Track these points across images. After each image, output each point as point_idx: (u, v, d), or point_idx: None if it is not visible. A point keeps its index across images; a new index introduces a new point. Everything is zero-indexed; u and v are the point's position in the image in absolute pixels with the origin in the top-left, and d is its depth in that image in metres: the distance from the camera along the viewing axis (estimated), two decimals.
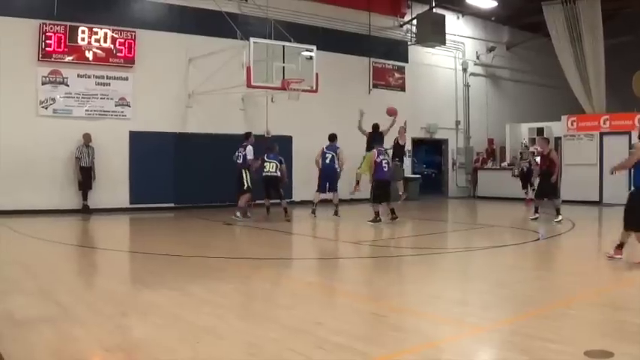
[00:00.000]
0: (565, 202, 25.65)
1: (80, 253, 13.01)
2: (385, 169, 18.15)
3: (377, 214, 17.91)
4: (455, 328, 7.11)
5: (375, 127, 21.23)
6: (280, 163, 19.16)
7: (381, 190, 18.17)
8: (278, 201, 19.20)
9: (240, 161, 19.16)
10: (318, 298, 8.75)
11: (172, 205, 21.96)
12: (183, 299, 8.56)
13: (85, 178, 20.33)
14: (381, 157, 18.24)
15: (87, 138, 20.32)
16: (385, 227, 17.51)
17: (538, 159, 20.34)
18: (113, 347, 6.10)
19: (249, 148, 19.18)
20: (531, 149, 30.61)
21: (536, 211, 18.83)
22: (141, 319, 7.31)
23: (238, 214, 18.64)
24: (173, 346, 6.19)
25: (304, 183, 24.36)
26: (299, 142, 24.77)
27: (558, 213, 18.07)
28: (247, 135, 19.90)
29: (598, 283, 10.09)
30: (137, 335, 6.59)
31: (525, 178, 25.05)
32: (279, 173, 19.08)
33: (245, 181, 18.91)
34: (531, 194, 22.87)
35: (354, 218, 19.96)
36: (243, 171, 18.98)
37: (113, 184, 20.96)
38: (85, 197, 20.50)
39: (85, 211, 20.14)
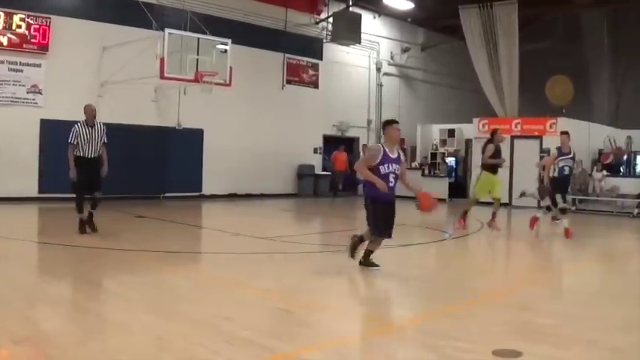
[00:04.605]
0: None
1: None
2: None
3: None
4: (363, 326, 7.29)
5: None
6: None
7: None
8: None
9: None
10: (228, 293, 8.79)
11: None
12: (93, 292, 8.56)
13: (87, 174, 13.47)
14: None
15: (89, 112, 13.84)
16: (293, 223, 17.57)
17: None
18: (22, 339, 6.07)
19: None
20: (441, 150, 31.29)
21: None
22: (50, 311, 7.28)
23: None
24: (82, 339, 6.19)
25: (213, 176, 24.51)
26: (210, 135, 24.73)
27: None
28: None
29: (505, 282, 10.40)
30: (46, 328, 6.57)
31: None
32: None
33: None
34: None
35: (267, 213, 20.05)
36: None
37: (21, 173, 20.49)
38: (80, 208, 13.84)
39: (87, 228, 13.71)
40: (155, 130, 23.13)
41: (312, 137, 29.20)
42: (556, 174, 15.46)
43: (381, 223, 9.95)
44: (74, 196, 13.86)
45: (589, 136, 26.19)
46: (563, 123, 25.49)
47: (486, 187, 16.42)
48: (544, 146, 25.58)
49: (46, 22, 20.80)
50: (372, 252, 10.24)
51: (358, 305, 8.29)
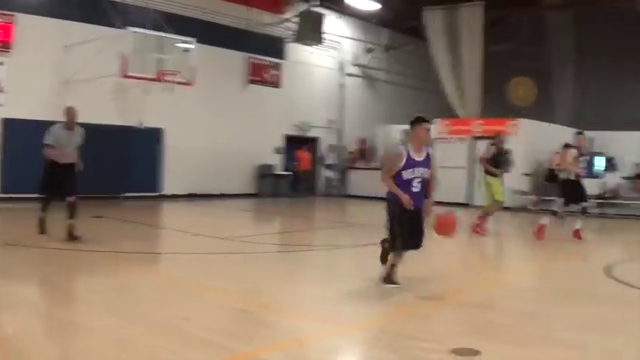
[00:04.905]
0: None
1: None
2: None
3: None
4: (322, 326, 7.29)
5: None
6: None
7: None
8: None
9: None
10: (186, 294, 8.80)
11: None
12: (54, 294, 8.53)
13: (60, 179, 12.76)
14: None
15: (71, 115, 12.87)
16: (253, 223, 17.56)
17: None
18: None
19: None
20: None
21: None
22: (10, 313, 7.25)
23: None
24: (43, 342, 6.22)
25: (174, 176, 24.43)
26: (171, 134, 24.61)
27: None
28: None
29: (465, 283, 10.44)
30: (7, 330, 6.58)
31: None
32: None
33: None
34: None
35: (227, 213, 20.01)
36: None
37: None
38: (43, 207, 13.22)
39: (42, 230, 13.10)
40: (116, 130, 22.93)
41: (273, 137, 29.13)
42: (572, 177, 14.96)
43: (406, 236, 8.88)
44: (40, 195, 13.33)
45: (550, 137, 26.37)
46: (524, 124, 25.68)
47: (499, 189, 16.20)
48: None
49: (10, 19, 20.48)
50: (394, 266, 9.13)
51: (318, 305, 8.28)
